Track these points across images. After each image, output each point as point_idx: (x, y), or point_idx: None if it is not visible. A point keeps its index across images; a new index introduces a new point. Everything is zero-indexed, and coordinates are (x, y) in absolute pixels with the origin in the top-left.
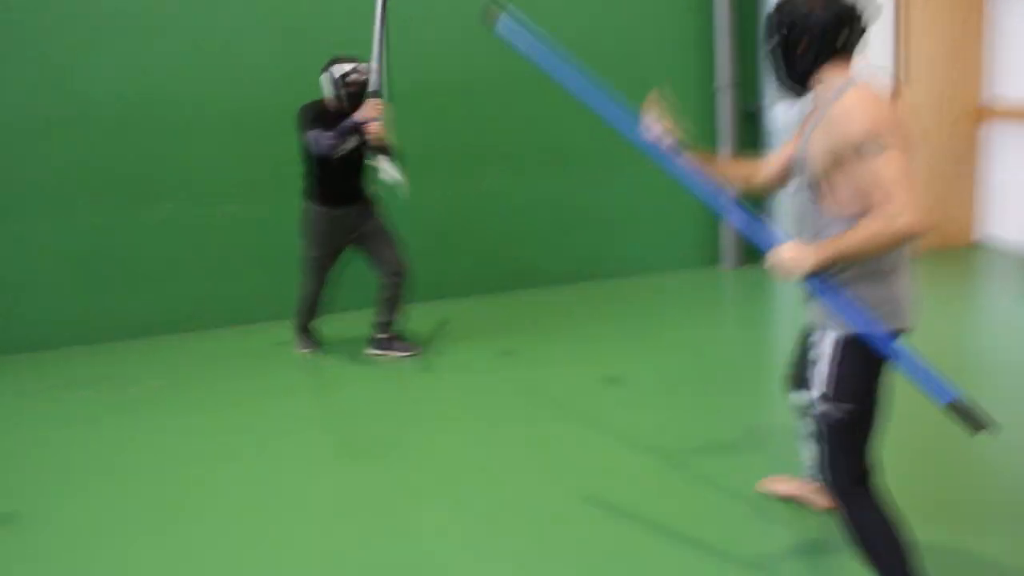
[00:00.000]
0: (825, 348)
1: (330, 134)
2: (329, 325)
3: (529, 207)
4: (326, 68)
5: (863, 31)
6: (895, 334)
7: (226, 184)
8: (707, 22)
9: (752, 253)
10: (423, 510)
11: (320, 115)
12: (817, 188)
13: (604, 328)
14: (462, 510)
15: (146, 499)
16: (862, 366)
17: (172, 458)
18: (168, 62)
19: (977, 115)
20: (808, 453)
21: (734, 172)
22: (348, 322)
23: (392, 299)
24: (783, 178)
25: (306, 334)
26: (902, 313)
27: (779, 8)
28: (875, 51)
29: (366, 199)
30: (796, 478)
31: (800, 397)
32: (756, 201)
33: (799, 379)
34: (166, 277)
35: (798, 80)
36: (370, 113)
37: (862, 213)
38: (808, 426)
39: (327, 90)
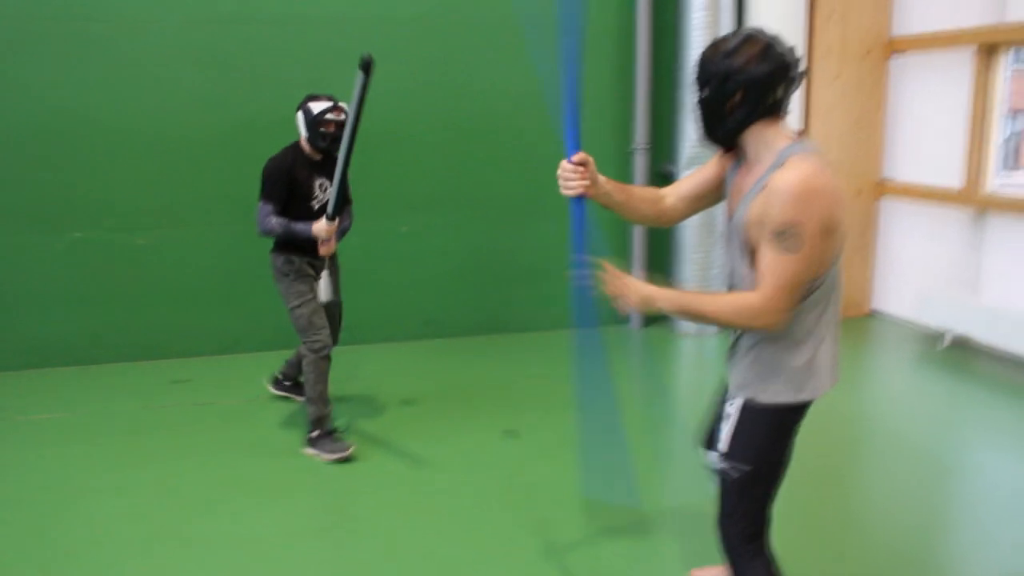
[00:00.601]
0: (732, 410)
1: (278, 224)
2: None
3: (447, 253)
4: (301, 105)
5: (794, 89)
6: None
7: (137, 213)
8: (628, 88)
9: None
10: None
11: (288, 172)
12: (748, 252)
13: (508, 381)
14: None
15: (22, 532)
16: (763, 432)
17: (51, 492)
18: (87, 86)
19: (877, 190)
20: None
21: (641, 195)
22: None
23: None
24: (691, 209)
25: (327, 434)
26: (811, 383)
27: (710, 59)
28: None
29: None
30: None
31: (710, 455)
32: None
33: (710, 437)
34: (70, 305)
35: (725, 136)
36: (322, 234)
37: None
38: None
39: (301, 129)
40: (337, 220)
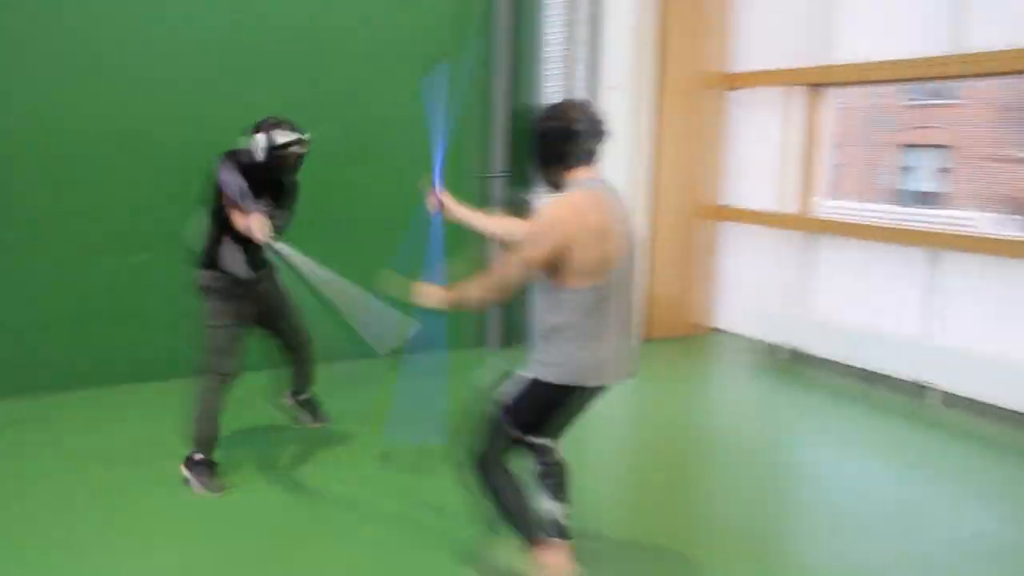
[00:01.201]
0: (518, 375)
1: (242, 191)
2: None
3: None
4: (263, 129)
5: (595, 144)
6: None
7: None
8: (487, 118)
9: (515, 334)
10: None
11: (245, 168)
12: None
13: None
14: None
15: None
16: (530, 400)
17: None
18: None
19: (716, 213)
20: (547, 503)
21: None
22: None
23: (308, 361)
24: None
25: (208, 463)
26: (572, 374)
27: (537, 116)
28: (629, 154)
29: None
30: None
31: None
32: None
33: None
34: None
35: (546, 177)
36: (255, 229)
37: (549, 282)
38: (538, 469)
39: (257, 152)
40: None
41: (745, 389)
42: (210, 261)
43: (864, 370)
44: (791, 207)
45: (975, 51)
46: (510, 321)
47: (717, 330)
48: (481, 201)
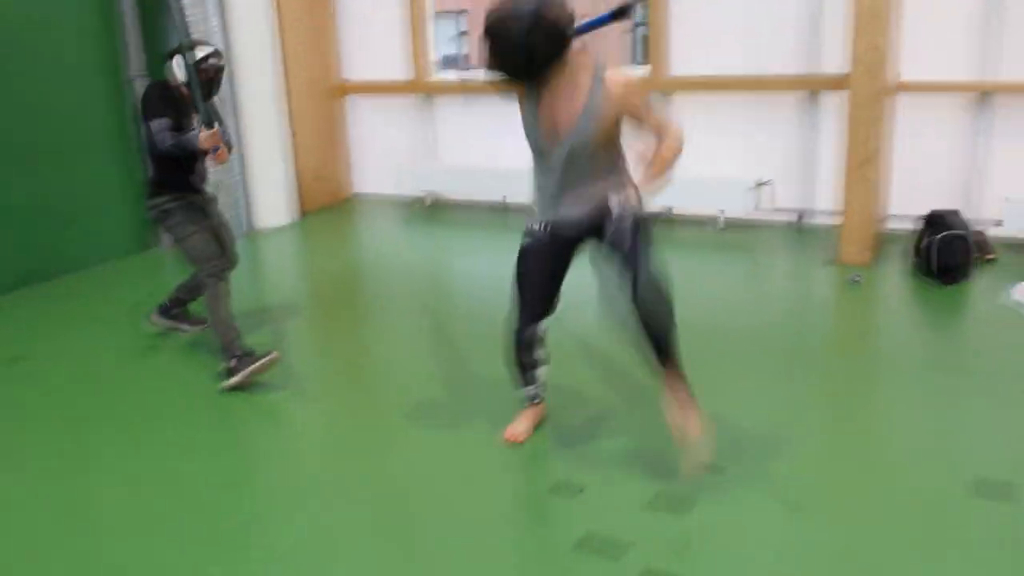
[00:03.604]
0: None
1: (173, 137)
2: None
3: None
4: (177, 53)
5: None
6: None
7: None
8: (113, 17)
9: None
10: None
11: (171, 101)
12: (604, 137)
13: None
14: None
15: None
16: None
17: None
18: None
19: (341, 90)
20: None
21: None
22: None
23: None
24: None
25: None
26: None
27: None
28: (259, 42)
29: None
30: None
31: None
32: None
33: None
34: None
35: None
36: (208, 145)
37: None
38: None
39: (178, 75)
40: (218, 126)
41: (399, 234)
42: (159, 188)
43: (493, 202)
44: (408, 75)
45: None
46: None
47: (358, 195)
48: (118, 110)
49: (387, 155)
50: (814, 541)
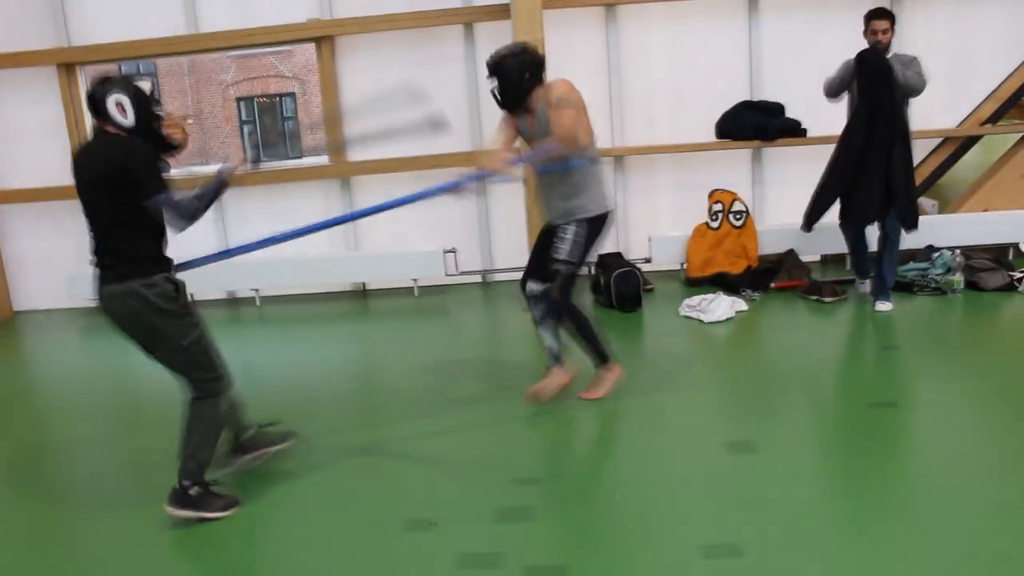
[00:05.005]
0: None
1: (193, 198)
2: None
3: None
4: (117, 88)
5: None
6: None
7: None
8: None
9: None
10: None
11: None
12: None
13: None
14: None
15: None
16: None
17: None
18: None
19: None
20: (547, 338)
21: None
22: None
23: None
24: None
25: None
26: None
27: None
28: None
29: None
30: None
31: (533, 287)
32: None
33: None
34: None
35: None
36: (175, 131)
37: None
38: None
39: (128, 116)
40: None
41: (69, 347)
42: (150, 267)
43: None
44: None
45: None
46: None
47: (23, 312)
48: None
49: (51, 265)
50: None
